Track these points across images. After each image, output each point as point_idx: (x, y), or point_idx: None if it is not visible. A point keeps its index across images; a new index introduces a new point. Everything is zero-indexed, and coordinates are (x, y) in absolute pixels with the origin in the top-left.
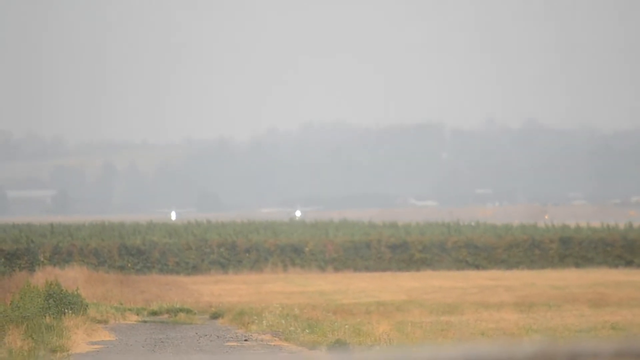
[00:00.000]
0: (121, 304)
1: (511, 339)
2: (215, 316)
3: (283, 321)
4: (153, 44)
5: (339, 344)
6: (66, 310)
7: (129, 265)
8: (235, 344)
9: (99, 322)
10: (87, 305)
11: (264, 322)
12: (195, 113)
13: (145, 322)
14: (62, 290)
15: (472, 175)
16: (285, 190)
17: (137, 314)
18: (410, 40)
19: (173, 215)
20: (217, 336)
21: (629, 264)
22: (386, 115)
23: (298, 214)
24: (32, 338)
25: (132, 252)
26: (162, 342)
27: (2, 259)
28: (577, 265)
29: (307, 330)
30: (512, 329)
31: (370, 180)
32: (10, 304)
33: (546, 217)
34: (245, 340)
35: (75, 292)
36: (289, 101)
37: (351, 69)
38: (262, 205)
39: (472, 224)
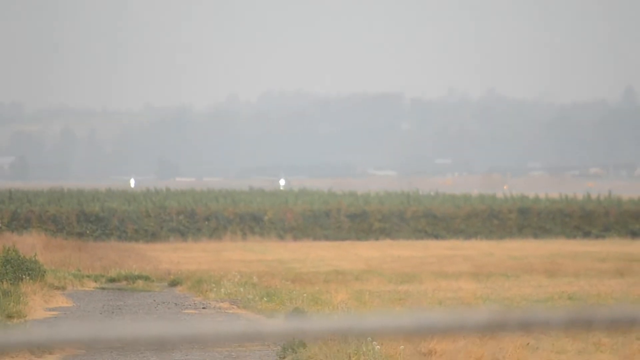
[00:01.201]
0: (79, 270)
1: (466, 308)
2: (173, 284)
3: (241, 289)
4: (113, 10)
5: (296, 312)
6: (23, 276)
7: (88, 232)
8: (193, 311)
9: (57, 288)
10: (44, 272)
11: (222, 290)
12: (155, 80)
13: (103, 289)
14: (19, 256)
15: (431, 145)
16: (244, 158)
17: (95, 281)
18: (371, 9)
19: (132, 183)
20: (175, 304)
21: (586, 235)
22: (347, 84)
23: (282, 182)
24: None
25: (91, 219)
26: (119, 309)
27: None
28: (536, 235)
29: (265, 299)
30: (469, 299)
31: (330, 149)
32: None
33: (505, 187)
34: (203, 308)
35: (33, 258)
36: (249, 69)
37: (312, 38)
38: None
39: (432, 193)
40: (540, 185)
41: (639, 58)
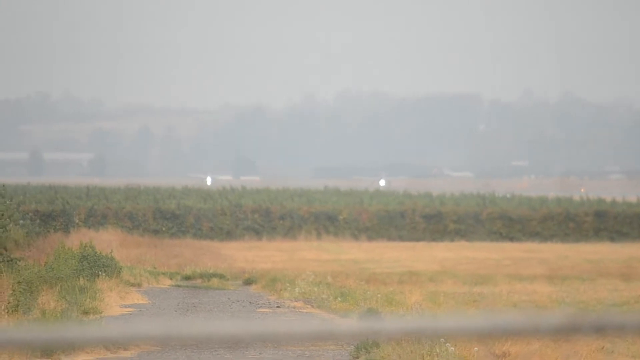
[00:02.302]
0: (155, 267)
1: (541, 311)
2: (248, 282)
3: (315, 289)
4: (193, 10)
5: (370, 313)
6: (100, 273)
7: (163, 229)
8: (267, 310)
9: (132, 285)
10: (120, 268)
11: (297, 289)
12: (233, 78)
13: (178, 286)
14: (96, 252)
15: (508, 147)
16: (321, 158)
17: (171, 278)
18: (449, 10)
19: (208, 181)
20: (250, 302)
21: None
22: (423, 85)
23: (382, 183)
24: (66, 299)
25: (167, 216)
26: (194, 306)
27: (38, 220)
28: (612, 239)
29: (339, 299)
30: (544, 302)
31: (406, 150)
32: (44, 265)
33: (582, 190)
34: (278, 307)
35: (109, 255)
36: (327, 69)
37: (389, 38)
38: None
39: (507, 195)
40: (617, 188)
41: None
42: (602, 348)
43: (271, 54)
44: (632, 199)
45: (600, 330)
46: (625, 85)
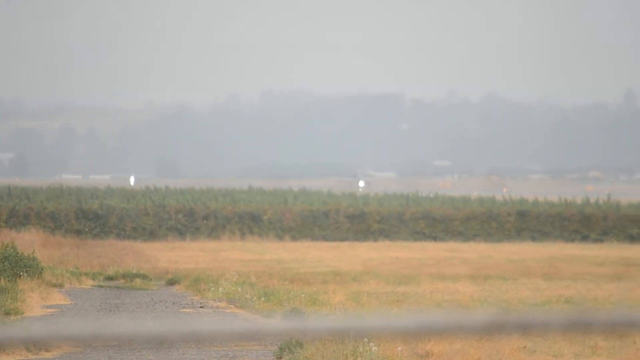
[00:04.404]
0: (77, 268)
1: (464, 310)
2: (171, 282)
3: (239, 289)
4: (116, 8)
5: (294, 312)
6: (21, 273)
7: (86, 229)
8: (190, 310)
9: (54, 285)
10: (42, 269)
11: (220, 289)
12: (156, 78)
13: (101, 286)
14: (17, 253)
15: (431, 147)
16: (244, 158)
17: (93, 279)
18: (372, 10)
19: (131, 181)
20: (173, 302)
21: (585, 238)
22: (347, 85)
23: (361, 184)
24: None
25: (90, 216)
26: (117, 307)
27: None
28: (534, 238)
29: (262, 298)
30: (467, 301)
31: (329, 150)
32: None
33: (504, 190)
34: (201, 307)
35: (31, 255)
36: (251, 69)
37: (313, 38)
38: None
39: (430, 195)
40: (539, 188)
41: (639, 61)
42: (524, 347)
43: (195, 54)
44: (553, 198)
45: (523, 329)
46: (547, 85)
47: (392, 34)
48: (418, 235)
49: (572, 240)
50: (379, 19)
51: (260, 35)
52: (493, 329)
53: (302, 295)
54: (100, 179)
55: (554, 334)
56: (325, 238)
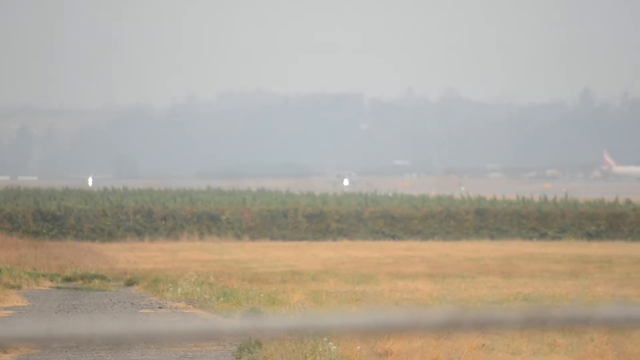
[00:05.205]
0: (35, 269)
1: (422, 309)
2: (130, 283)
3: (198, 289)
4: (72, 8)
5: (253, 312)
6: None
7: (44, 231)
8: (149, 311)
9: (12, 287)
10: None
11: (179, 289)
12: (113, 79)
13: (59, 288)
14: None
15: (390, 146)
16: (202, 158)
17: (51, 280)
18: (331, 10)
19: (90, 182)
20: (131, 303)
21: (542, 236)
22: (306, 84)
23: (346, 182)
24: None
25: (47, 217)
26: (75, 308)
27: None
28: (492, 237)
29: (221, 299)
30: (425, 299)
31: (288, 149)
32: None
33: (462, 188)
34: (160, 307)
35: None
36: (209, 69)
37: (271, 37)
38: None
39: (389, 194)
40: (497, 186)
41: (596, 60)
42: (483, 345)
43: (152, 54)
44: (511, 196)
45: (480, 326)
46: (506, 83)
47: (350, 33)
48: (377, 234)
49: (530, 238)
50: (337, 18)
51: (219, 36)
52: (450, 327)
53: (261, 295)
54: (58, 181)
55: (511, 331)
56: (284, 238)
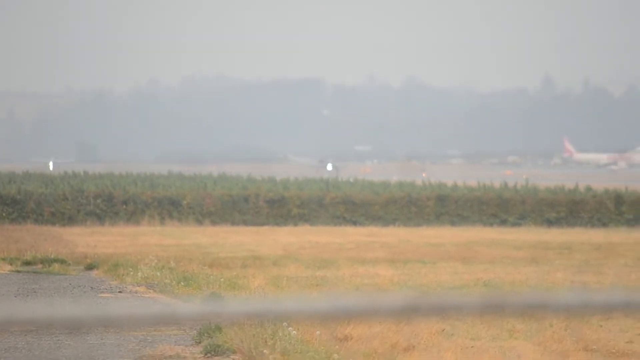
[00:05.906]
0: None
1: (382, 293)
2: (90, 267)
3: (158, 273)
4: None
5: (213, 297)
6: None
7: (3, 214)
8: (108, 295)
9: None
10: None
11: (139, 274)
12: (75, 62)
13: (18, 271)
14: None
15: (351, 132)
16: (163, 143)
17: (10, 264)
18: None
19: (50, 166)
20: (91, 287)
21: (503, 222)
22: (268, 69)
23: (329, 167)
24: None
25: (7, 201)
26: (34, 292)
27: None
28: (453, 223)
29: (182, 283)
30: (386, 285)
31: (249, 134)
32: None
33: (424, 174)
34: (120, 291)
35: None
36: (171, 54)
37: (233, 22)
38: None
39: (351, 180)
40: (458, 172)
41: (557, 47)
42: (443, 330)
43: (115, 38)
44: (472, 183)
45: (438, 311)
46: (468, 71)
47: (312, 20)
48: (338, 219)
49: (491, 224)
50: (300, 5)
51: (182, 21)
52: (410, 311)
53: (222, 279)
54: (19, 164)
55: (470, 316)
56: (245, 222)
